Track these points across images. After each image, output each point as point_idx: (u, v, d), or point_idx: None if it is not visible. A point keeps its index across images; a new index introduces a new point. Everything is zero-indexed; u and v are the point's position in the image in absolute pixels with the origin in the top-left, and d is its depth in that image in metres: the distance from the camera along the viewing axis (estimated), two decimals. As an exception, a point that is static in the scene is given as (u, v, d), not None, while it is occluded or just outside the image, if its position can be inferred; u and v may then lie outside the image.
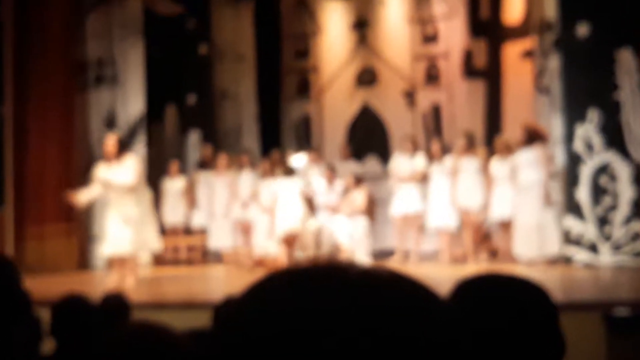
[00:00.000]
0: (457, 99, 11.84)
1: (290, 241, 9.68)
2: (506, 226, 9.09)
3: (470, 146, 9.73)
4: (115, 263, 7.64)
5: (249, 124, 12.51)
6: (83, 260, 10.44)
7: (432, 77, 12.07)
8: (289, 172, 9.56)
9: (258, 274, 1.02)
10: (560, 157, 9.10)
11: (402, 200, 9.91)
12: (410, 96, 12.22)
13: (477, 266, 8.75)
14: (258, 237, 10.03)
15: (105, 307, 3.56)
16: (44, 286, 7.18)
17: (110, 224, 7.45)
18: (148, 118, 10.93)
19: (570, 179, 8.83)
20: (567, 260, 8.47)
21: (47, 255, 10.06)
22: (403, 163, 9.96)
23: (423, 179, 9.99)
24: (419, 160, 9.99)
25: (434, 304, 0.70)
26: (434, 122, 12.04)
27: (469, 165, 9.49)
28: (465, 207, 9.40)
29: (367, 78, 12.48)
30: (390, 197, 10.26)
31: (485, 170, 9.58)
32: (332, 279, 0.70)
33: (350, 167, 10.73)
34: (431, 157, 10.06)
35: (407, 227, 10.03)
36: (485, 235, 9.70)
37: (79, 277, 9.54)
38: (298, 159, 10.99)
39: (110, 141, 7.52)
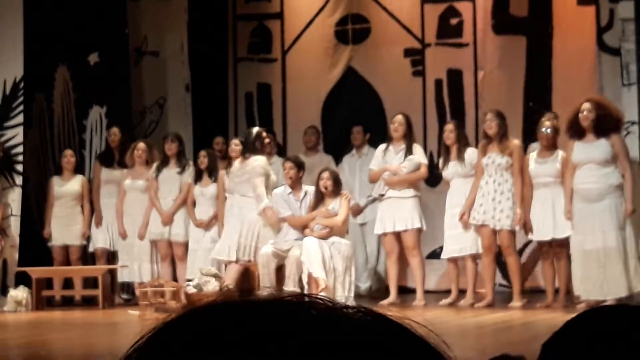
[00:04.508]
0: (488, 62, 11.57)
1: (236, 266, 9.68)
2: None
3: (501, 134, 9.50)
4: None
5: (177, 96, 12.24)
6: None
7: (451, 28, 11.82)
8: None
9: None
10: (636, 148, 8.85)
11: (384, 217, 10.01)
12: (416, 56, 11.96)
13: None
14: (193, 265, 9.94)
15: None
16: None
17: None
18: (28, 87, 10.86)
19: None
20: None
21: None
22: (393, 159, 9.98)
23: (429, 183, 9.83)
24: (419, 156, 9.91)
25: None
26: (452, 96, 11.81)
27: (494, 164, 9.47)
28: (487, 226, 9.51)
29: (354, 29, 12.18)
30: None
31: (521, 171, 9.42)
32: (285, 318, 0.75)
33: (324, 164, 10.76)
34: (447, 152, 9.82)
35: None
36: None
37: None
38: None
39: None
